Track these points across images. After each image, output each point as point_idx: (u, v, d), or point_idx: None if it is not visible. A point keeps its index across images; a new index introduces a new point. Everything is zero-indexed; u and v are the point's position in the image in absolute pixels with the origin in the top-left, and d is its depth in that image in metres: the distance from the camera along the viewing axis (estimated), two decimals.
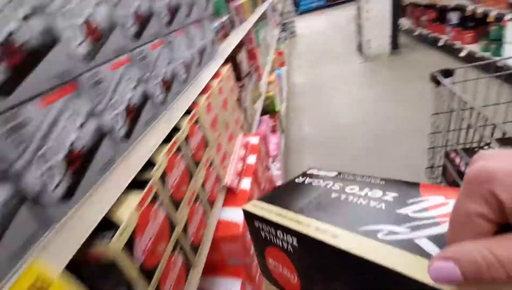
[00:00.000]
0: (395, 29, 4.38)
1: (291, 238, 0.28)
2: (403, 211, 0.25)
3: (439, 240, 0.20)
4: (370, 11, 4.17)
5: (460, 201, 0.19)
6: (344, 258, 0.22)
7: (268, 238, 0.31)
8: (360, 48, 4.76)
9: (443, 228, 0.21)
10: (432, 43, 4.25)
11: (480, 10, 3.05)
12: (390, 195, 0.28)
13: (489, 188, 0.17)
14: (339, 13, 8.70)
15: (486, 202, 0.17)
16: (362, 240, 0.23)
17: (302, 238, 0.26)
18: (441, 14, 4.12)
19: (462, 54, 3.45)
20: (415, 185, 0.28)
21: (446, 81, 1.03)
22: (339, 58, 5.03)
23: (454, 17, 3.72)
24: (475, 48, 3.30)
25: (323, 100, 3.63)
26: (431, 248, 0.20)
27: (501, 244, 0.16)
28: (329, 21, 8.15)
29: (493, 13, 2.87)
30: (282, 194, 0.35)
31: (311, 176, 0.37)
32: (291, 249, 0.28)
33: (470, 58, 3.34)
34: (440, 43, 3.97)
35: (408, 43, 4.82)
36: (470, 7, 3.22)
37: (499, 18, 2.80)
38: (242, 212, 0.34)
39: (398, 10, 4.27)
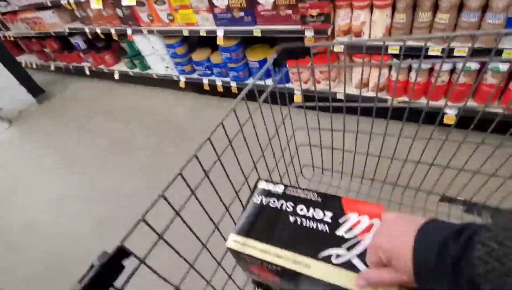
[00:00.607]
0: (21, 72, 3.28)
1: (274, 267, 0.42)
2: (339, 233, 0.43)
3: (363, 256, 0.40)
4: None
5: (368, 254, 0.41)
6: (314, 280, 0.39)
7: (254, 262, 0.44)
8: None
9: (363, 245, 0.41)
10: (80, 73, 3.61)
11: (98, 30, 2.71)
12: (328, 216, 0.45)
13: (376, 252, 0.38)
14: None
15: (376, 256, 0.38)
16: (325, 267, 0.39)
17: (284, 268, 0.41)
18: (64, 41, 3.49)
19: (116, 76, 3.12)
20: (338, 200, 0.47)
21: None
22: None
23: (79, 42, 3.22)
24: (122, 67, 3.06)
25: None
26: (360, 265, 0.40)
27: (379, 272, 0.38)
28: None
29: (113, 31, 2.61)
30: (252, 224, 0.46)
31: (264, 192, 0.51)
32: (274, 270, 0.42)
33: (124, 77, 3.08)
34: (88, 72, 3.42)
35: (52, 81, 3.89)
36: (87, 29, 2.80)
37: (123, 34, 2.59)
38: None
39: (4, 49, 3.14)
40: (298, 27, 1.72)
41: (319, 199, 0.48)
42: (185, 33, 2.19)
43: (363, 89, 1.81)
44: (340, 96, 1.85)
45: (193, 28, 2.14)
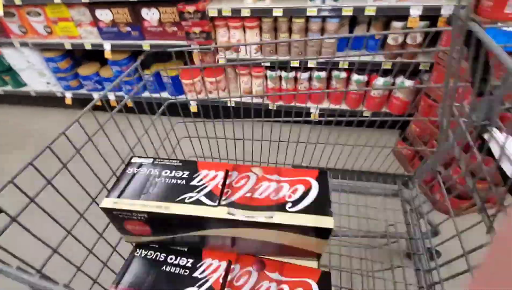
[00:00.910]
0: None
1: (142, 215, 0.54)
2: (193, 183, 0.58)
3: (209, 195, 0.55)
4: None
5: None
6: (175, 217, 0.53)
7: (126, 217, 0.55)
8: None
9: (209, 188, 0.57)
10: None
11: None
12: (185, 174, 0.60)
13: None
14: None
15: None
16: (181, 206, 0.53)
17: (150, 214, 0.53)
18: None
19: None
20: (194, 163, 0.63)
21: None
22: None
23: None
24: None
25: None
26: (207, 200, 0.54)
27: None
28: None
29: None
30: (125, 187, 0.57)
31: (136, 165, 0.63)
32: (143, 218, 0.54)
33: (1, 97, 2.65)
34: None
35: None
36: None
37: None
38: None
39: None
40: (184, 42, 1.89)
41: (181, 164, 0.62)
42: (68, 46, 2.09)
43: (248, 97, 2.10)
44: (230, 103, 2.09)
45: (76, 41, 2.06)
